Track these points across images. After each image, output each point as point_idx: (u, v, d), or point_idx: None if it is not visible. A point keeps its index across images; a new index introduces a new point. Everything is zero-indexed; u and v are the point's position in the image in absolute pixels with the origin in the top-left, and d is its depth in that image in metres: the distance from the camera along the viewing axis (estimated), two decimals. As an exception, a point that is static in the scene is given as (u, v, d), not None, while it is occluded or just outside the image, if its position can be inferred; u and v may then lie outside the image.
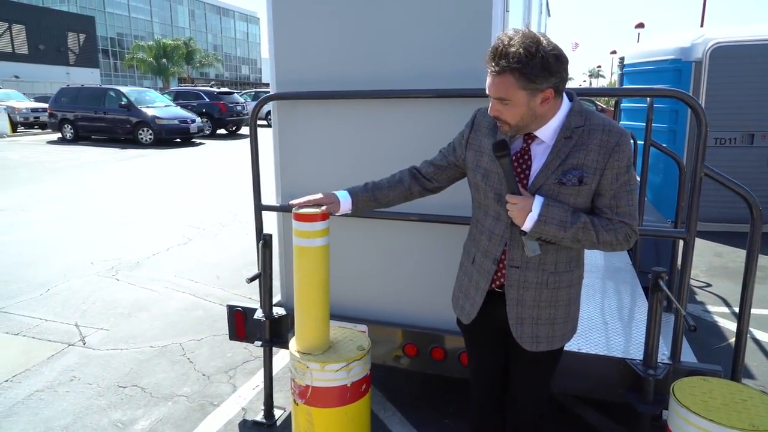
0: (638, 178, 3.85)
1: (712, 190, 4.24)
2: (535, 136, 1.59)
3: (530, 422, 1.87)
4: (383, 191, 1.89)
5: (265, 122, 20.90)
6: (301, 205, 1.90)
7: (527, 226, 1.53)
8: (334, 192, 1.89)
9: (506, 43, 1.44)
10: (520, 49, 1.42)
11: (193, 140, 17.99)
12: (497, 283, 1.71)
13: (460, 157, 1.80)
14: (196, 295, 4.64)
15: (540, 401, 1.86)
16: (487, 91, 1.54)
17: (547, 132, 1.57)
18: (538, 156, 1.59)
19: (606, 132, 1.53)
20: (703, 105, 5.92)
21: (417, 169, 1.92)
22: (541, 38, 1.45)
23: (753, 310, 2.22)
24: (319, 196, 1.89)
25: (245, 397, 3.10)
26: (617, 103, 6.60)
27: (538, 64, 1.42)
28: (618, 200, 1.55)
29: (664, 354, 2.30)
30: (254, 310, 2.79)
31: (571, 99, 1.60)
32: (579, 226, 1.52)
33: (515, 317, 1.69)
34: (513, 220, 1.57)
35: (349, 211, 1.90)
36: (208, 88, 22.92)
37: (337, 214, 1.90)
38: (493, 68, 1.48)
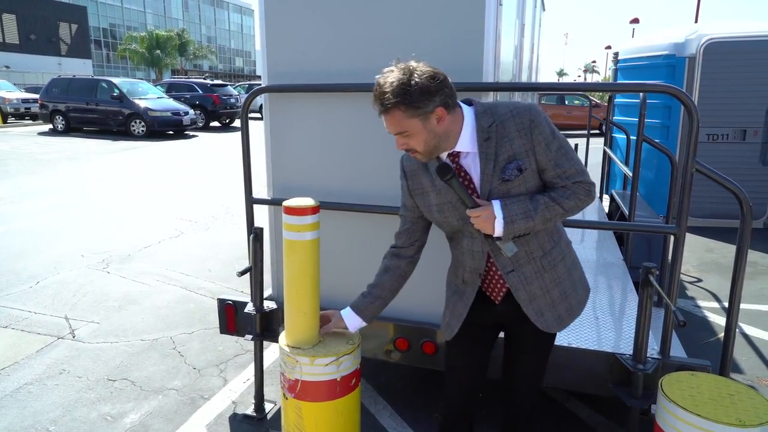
0: (629, 172, 3.85)
1: (705, 186, 4.26)
2: (458, 152, 1.61)
3: (527, 412, 1.93)
4: (383, 288, 1.88)
5: (258, 115, 20.80)
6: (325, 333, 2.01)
7: (498, 231, 1.56)
8: (340, 312, 1.95)
9: (382, 83, 1.49)
10: (395, 85, 1.47)
11: (185, 132, 17.87)
12: (500, 296, 1.75)
13: (414, 208, 1.79)
14: (188, 289, 4.62)
15: (537, 389, 1.93)
16: (389, 130, 1.56)
17: (465, 143, 1.60)
18: (472, 167, 1.62)
19: (516, 115, 1.57)
20: (696, 101, 5.92)
21: (392, 248, 1.90)
22: (413, 66, 1.50)
23: (742, 305, 2.23)
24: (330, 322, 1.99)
25: (236, 391, 3.09)
26: (611, 99, 6.61)
27: (416, 91, 1.46)
28: (561, 166, 1.58)
29: (653, 349, 2.31)
30: (245, 304, 2.77)
31: (470, 104, 1.64)
32: (542, 207, 1.56)
33: (534, 312, 1.72)
34: (483, 231, 1.59)
35: (364, 325, 1.93)
36: (202, 80, 22.76)
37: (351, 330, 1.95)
38: (379, 109, 1.52)
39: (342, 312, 1.93)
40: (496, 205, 1.56)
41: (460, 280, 1.80)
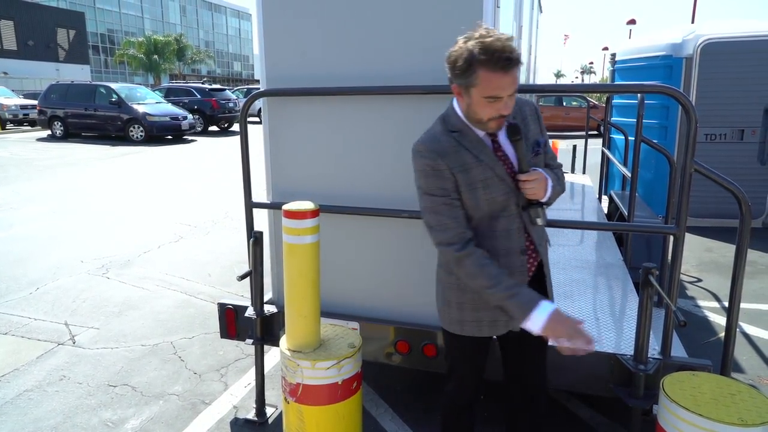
0: (627, 173, 3.85)
1: (703, 186, 4.26)
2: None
3: (542, 410, 1.93)
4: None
5: (257, 119, 20.82)
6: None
7: (548, 194, 1.68)
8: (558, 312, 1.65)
9: (505, 40, 1.49)
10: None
11: (184, 137, 17.87)
12: (531, 271, 1.79)
13: (455, 190, 1.62)
14: (188, 293, 4.61)
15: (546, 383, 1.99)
16: (502, 93, 1.50)
17: None
18: (505, 144, 1.69)
19: (525, 103, 1.75)
20: (693, 101, 5.93)
21: (471, 242, 1.65)
22: None
23: (742, 305, 2.23)
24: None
25: (237, 395, 3.08)
26: (609, 100, 6.62)
27: None
28: (549, 152, 1.81)
29: (654, 349, 2.31)
30: (245, 308, 2.77)
31: None
32: (557, 178, 1.76)
33: (549, 285, 1.84)
34: (533, 196, 1.64)
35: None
36: (200, 85, 22.76)
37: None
38: (510, 64, 1.47)
39: (551, 311, 1.61)
40: (541, 171, 1.68)
41: None
